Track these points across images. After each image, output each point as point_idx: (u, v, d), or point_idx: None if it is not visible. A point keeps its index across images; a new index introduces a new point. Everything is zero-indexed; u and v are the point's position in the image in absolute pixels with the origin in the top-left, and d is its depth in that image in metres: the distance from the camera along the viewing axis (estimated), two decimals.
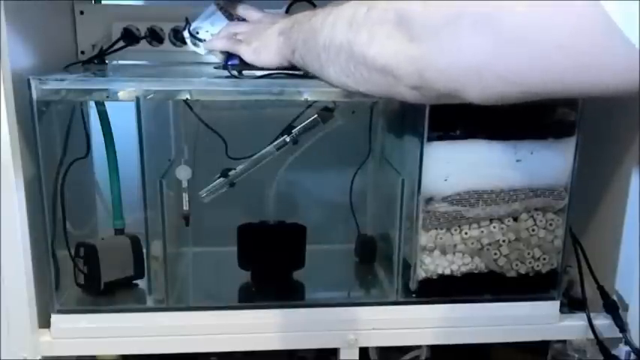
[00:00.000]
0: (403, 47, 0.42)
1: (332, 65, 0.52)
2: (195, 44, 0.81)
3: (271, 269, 0.89)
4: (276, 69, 0.70)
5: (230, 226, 0.87)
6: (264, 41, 0.69)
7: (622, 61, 0.31)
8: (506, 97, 0.39)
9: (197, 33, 0.80)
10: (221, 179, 0.83)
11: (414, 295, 0.82)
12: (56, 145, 0.78)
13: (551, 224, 0.81)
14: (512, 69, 0.36)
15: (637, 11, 0.29)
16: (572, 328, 0.84)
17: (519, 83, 0.37)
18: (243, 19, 0.80)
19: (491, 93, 0.39)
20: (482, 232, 0.80)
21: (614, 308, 0.83)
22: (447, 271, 0.81)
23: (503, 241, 0.81)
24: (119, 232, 0.87)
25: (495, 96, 0.39)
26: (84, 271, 0.81)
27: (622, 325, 0.82)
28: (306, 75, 0.67)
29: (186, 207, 0.83)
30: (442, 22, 0.39)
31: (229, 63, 0.76)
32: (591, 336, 0.82)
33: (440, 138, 0.76)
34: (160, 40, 0.96)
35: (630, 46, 0.30)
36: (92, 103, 0.83)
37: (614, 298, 0.85)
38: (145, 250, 0.83)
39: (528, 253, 0.82)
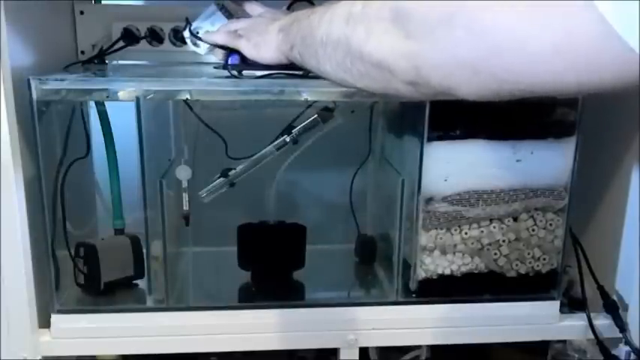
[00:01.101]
0: (399, 43, 0.42)
1: (329, 61, 0.52)
2: (195, 44, 0.81)
3: (271, 269, 0.88)
4: (275, 66, 0.70)
5: (230, 226, 0.87)
6: (265, 37, 0.69)
7: (620, 60, 0.31)
8: (502, 95, 0.39)
9: (197, 33, 0.80)
10: (221, 179, 0.83)
11: (414, 295, 0.82)
12: (56, 145, 0.78)
13: (551, 224, 0.81)
14: (507, 68, 0.36)
15: (631, 11, 0.29)
16: (572, 328, 0.84)
17: (514, 81, 0.37)
18: (244, 18, 0.80)
19: (486, 90, 0.39)
20: (482, 232, 0.80)
21: (614, 308, 0.83)
22: (447, 271, 0.81)
23: (503, 241, 0.81)
24: (119, 232, 0.87)
25: (490, 93, 0.39)
26: (84, 271, 0.81)
27: (622, 325, 0.82)
28: (306, 75, 0.67)
29: (186, 207, 0.83)
30: (437, 20, 0.39)
31: (229, 63, 0.76)
32: (591, 336, 0.82)
33: (440, 138, 0.76)
34: (160, 40, 0.96)
35: (626, 45, 0.30)
36: (92, 103, 0.83)
37: (614, 298, 0.85)
38: (145, 250, 0.83)
39: (528, 253, 0.82)
